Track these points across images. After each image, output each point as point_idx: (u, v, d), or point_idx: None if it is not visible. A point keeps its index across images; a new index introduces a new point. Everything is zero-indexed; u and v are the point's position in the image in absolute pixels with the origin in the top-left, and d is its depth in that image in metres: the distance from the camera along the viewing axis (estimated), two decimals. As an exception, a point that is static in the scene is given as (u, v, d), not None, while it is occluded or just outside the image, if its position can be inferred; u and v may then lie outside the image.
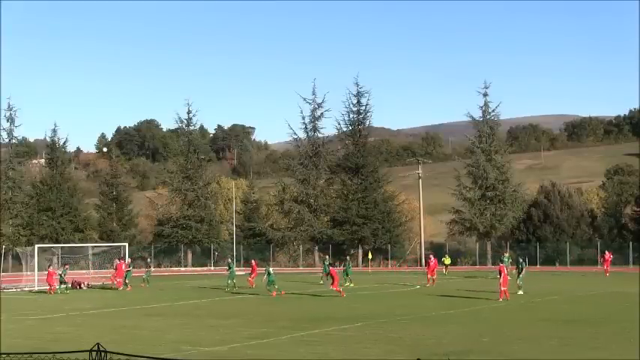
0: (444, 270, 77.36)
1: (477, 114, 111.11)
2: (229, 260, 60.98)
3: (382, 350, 25.68)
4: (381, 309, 39.03)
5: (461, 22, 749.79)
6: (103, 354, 10.66)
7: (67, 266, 62.10)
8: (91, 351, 10.65)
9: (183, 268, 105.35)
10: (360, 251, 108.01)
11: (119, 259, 63.91)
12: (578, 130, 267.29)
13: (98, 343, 10.63)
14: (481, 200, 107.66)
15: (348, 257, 74.65)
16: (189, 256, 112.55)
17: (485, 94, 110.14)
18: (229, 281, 56.58)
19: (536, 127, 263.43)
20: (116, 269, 62.19)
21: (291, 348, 26.75)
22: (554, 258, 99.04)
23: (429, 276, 60.30)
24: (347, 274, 62.17)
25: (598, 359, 23.47)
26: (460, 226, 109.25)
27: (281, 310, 41.03)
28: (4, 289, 61.54)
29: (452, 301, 45.38)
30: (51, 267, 61.55)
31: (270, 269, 52.61)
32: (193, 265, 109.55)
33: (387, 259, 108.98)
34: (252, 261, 64.50)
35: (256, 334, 30.54)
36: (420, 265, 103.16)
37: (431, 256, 64.96)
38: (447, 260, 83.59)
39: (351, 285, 59.40)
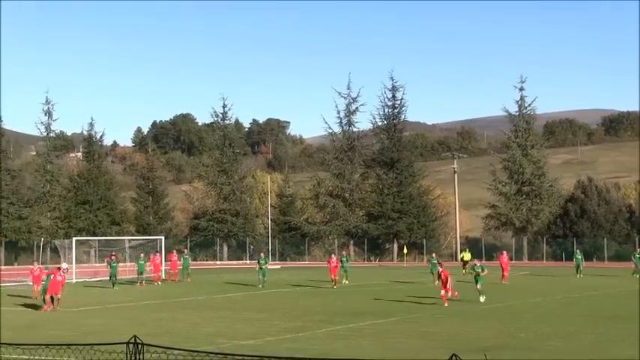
0: (463, 268, 65.76)
1: (513, 108, 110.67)
2: (261, 255, 59.03)
3: (417, 345, 25.59)
4: (416, 304, 38.90)
5: (497, 16, 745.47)
6: (139, 346, 10.68)
7: (113, 256, 59.89)
8: (128, 343, 10.69)
9: (218, 262, 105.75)
10: (396, 246, 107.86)
11: (155, 253, 64.10)
12: (615, 125, 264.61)
13: (135, 336, 10.67)
14: (517, 195, 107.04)
15: (344, 251, 69.85)
16: (225, 249, 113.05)
17: (521, 89, 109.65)
18: (260, 276, 54.63)
19: (573, 121, 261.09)
20: (153, 262, 62.02)
21: (326, 342, 26.73)
22: (592, 254, 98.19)
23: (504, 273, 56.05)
24: (344, 270, 57.29)
25: (636, 357, 23.20)
26: (496, 220, 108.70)
27: (316, 304, 41.04)
28: (43, 280, 62.05)
29: (487, 296, 45.07)
30: (157, 254, 62.05)
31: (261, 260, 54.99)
32: (229, 259, 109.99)
33: (422, 254, 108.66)
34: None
35: (292, 328, 30.56)
36: (455, 260, 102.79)
37: (504, 252, 60.86)
38: (467, 256, 70.00)
39: (346, 282, 56.09)
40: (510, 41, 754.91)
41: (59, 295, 38.99)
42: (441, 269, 40.23)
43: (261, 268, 54.84)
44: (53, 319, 35.10)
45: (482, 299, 40.18)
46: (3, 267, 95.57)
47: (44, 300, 39.17)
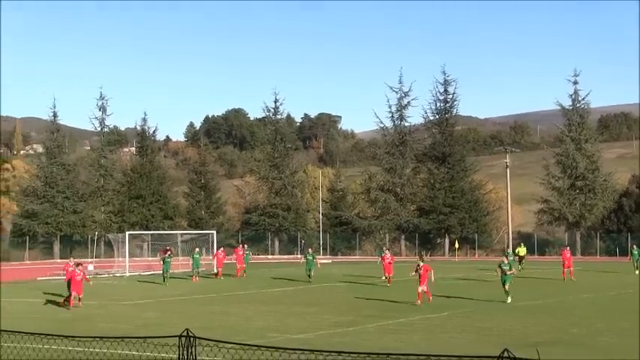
0: (519, 263, 64.42)
1: (567, 102, 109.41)
2: (309, 250, 58.22)
3: (469, 340, 25.53)
4: (468, 299, 38.78)
5: (550, 8, 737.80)
6: (191, 339, 10.80)
7: (168, 251, 59.11)
8: (180, 336, 10.81)
9: (270, 256, 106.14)
10: (447, 240, 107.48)
11: (219, 248, 64.28)
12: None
13: (187, 329, 10.79)
14: (570, 190, 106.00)
15: (310, 249, 63.34)
16: (277, 243, 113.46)
17: (575, 82, 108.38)
18: (307, 272, 54.22)
19: (628, 115, 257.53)
20: (216, 257, 61.92)
21: (377, 336, 26.78)
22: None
23: (565, 269, 54.26)
24: (309, 269, 54.55)
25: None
26: (549, 215, 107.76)
27: (367, 298, 41.08)
28: (97, 274, 62.88)
29: (540, 291, 44.82)
30: (240, 247, 62.51)
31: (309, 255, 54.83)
32: (280, 253, 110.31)
33: (474, 249, 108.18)
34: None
35: (343, 322, 30.64)
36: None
37: (567, 248, 58.64)
38: (522, 251, 69.20)
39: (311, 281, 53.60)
40: (564, 34, 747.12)
41: (81, 295, 37.94)
42: (422, 264, 38.40)
43: (308, 263, 54.54)
44: (107, 313, 35.56)
45: (509, 300, 37.69)
46: (58, 260, 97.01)
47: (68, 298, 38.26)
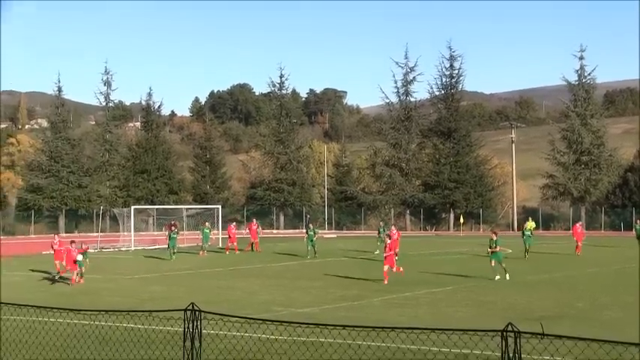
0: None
1: (573, 78, 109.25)
2: (310, 225, 57.55)
3: (473, 314, 25.58)
4: (472, 273, 38.82)
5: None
6: (197, 313, 10.82)
7: (174, 226, 57.83)
8: (185, 310, 10.83)
9: (275, 231, 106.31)
10: (452, 215, 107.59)
11: (231, 223, 63.87)
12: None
13: (193, 303, 10.82)
14: (575, 165, 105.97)
15: (311, 224, 62.43)
16: (282, 218, 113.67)
17: (581, 58, 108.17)
18: (309, 247, 53.53)
19: (634, 90, 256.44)
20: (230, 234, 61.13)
21: (382, 310, 26.84)
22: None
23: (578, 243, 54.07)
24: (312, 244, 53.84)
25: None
26: (553, 190, 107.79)
27: (372, 273, 41.13)
28: (103, 248, 63.04)
29: (545, 266, 44.84)
30: (233, 224, 62.17)
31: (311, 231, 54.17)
32: (285, 228, 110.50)
33: (479, 224, 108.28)
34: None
35: (348, 296, 30.71)
36: (513, 230, 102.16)
37: (578, 223, 59.35)
38: (530, 225, 63.64)
39: (308, 257, 52.95)
40: (570, 9, 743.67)
41: (74, 269, 37.40)
42: (388, 240, 37.38)
43: (310, 239, 53.97)
44: (112, 287, 35.67)
45: (497, 278, 36.06)
46: (64, 234, 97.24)
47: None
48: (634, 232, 63.28)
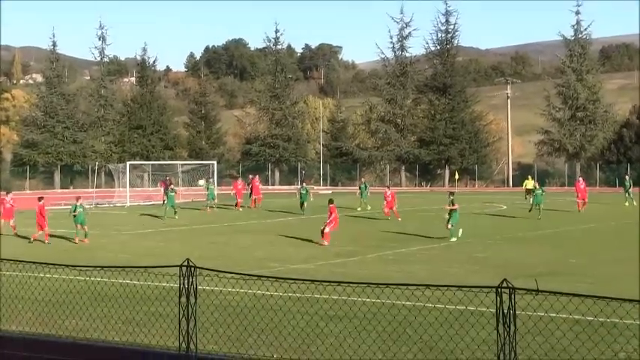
0: (527, 197, 61.33)
1: (569, 33, 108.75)
2: (303, 184, 57.25)
3: (468, 270, 25.68)
4: (467, 229, 38.89)
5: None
6: (192, 269, 10.83)
7: (170, 184, 56.93)
8: (181, 266, 10.84)
9: (270, 187, 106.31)
10: (447, 171, 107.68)
11: (237, 179, 63.49)
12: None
13: (188, 259, 10.82)
14: (571, 121, 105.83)
15: (304, 182, 62.60)
16: (277, 174, 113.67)
17: (577, 12, 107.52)
18: (301, 204, 53.29)
19: (630, 46, 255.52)
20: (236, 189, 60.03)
21: (377, 266, 26.96)
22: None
23: (579, 200, 53.70)
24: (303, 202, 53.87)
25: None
26: (549, 146, 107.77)
27: (368, 229, 41.25)
28: (98, 204, 63.04)
29: (540, 222, 44.94)
30: (239, 179, 61.99)
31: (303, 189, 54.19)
32: (280, 184, 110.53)
33: (474, 180, 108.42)
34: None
35: (343, 253, 30.81)
36: (508, 186, 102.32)
37: (580, 178, 58.67)
38: (530, 184, 64.67)
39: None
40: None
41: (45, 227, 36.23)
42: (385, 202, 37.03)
43: (302, 197, 53.82)
44: (108, 242, 35.70)
45: (453, 239, 34.42)
46: (59, 190, 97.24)
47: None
48: (623, 188, 63.00)
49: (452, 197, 36.15)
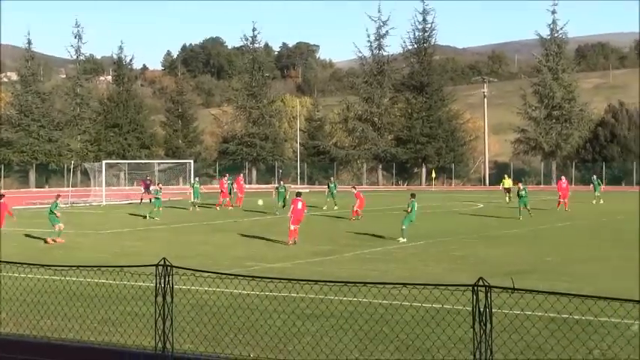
0: (506, 195, 64.02)
1: (545, 32, 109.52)
2: (280, 182, 57.25)
3: (445, 269, 25.71)
4: (444, 228, 39.00)
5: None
6: (168, 269, 10.80)
7: (160, 185, 55.09)
8: (157, 265, 10.80)
9: (247, 185, 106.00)
10: (424, 170, 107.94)
11: (222, 177, 62.80)
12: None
13: (164, 258, 10.78)
14: (547, 119, 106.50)
15: (282, 181, 61.37)
16: (254, 173, 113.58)
17: (553, 12, 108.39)
18: (279, 203, 52.78)
19: (605, 45, 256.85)
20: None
21: (354, 265, 26.96)
22: (621, 178, 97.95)
23: (560, 200, 53.57)
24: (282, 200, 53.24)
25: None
26: (525, 145, 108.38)
27: (345, 228, 41.26)
28: (74, 203, 62.74)
29: (517, 221, 45.08)
30: (224, 178, 60.84)
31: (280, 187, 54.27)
32: (257, 183, 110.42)
33: (451, 178, 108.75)
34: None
35: (320, 251, 30.81)
36: (484, 185, 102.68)
37: (562, 177, 57.91)
38: (507, 182, 66.73)
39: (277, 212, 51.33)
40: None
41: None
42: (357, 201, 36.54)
43: (280, 195, 53.55)
44: (84, 242, 35.53)
45: (401, 240, 33.65)
46: (34, 189, 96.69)
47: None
48: (591, 186, 63.19)
49: (412, 199, 35.37)
